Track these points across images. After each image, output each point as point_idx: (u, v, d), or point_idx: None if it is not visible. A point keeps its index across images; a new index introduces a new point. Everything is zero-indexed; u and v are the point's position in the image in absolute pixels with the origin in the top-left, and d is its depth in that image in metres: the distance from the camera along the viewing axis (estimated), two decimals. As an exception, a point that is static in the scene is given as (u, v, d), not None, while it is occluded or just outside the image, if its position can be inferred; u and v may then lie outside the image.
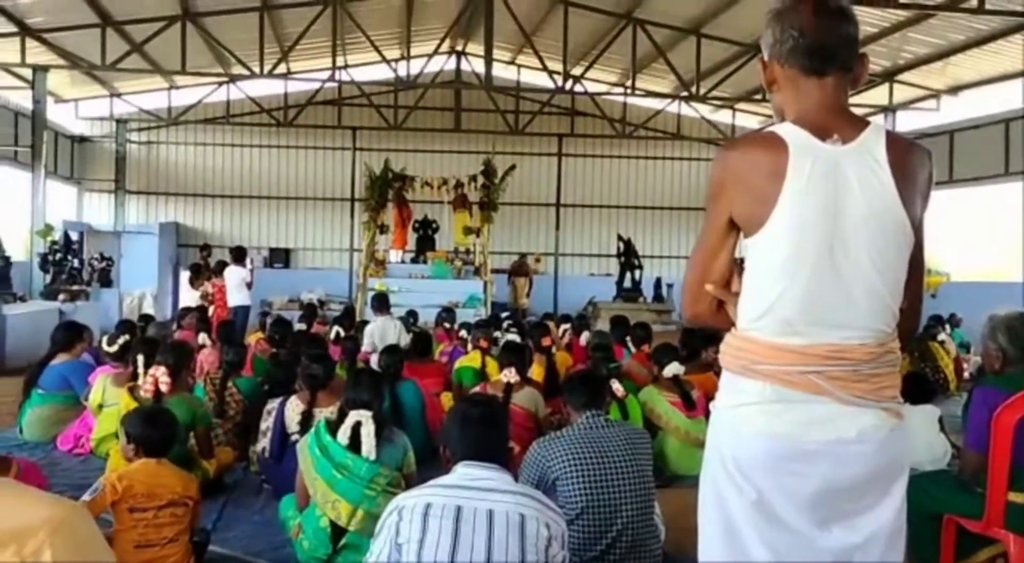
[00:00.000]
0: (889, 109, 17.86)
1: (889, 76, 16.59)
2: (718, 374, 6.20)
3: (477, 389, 6.07)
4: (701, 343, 7.05)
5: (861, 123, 1.96)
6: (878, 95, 17.41)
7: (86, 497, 3.48)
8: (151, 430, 3.78)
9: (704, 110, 20.90)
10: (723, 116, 21.54)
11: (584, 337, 8.48)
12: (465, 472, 2.87)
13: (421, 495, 2.85)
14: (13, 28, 13.99)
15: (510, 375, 5.85)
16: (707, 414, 6.03)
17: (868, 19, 14.02)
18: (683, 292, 2.08)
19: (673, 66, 16.20)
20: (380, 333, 9.22)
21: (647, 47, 16.21)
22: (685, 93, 17.60)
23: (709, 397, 6.32)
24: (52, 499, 0.94)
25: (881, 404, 1.91)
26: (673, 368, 6.03)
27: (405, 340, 8.84)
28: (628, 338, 8.06)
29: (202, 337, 8.30)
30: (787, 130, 1.92)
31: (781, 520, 1.90)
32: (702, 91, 17.50)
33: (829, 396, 1.87)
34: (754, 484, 1.90)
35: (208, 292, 12.90)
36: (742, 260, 2.03)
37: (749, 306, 1.94)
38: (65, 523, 0.92)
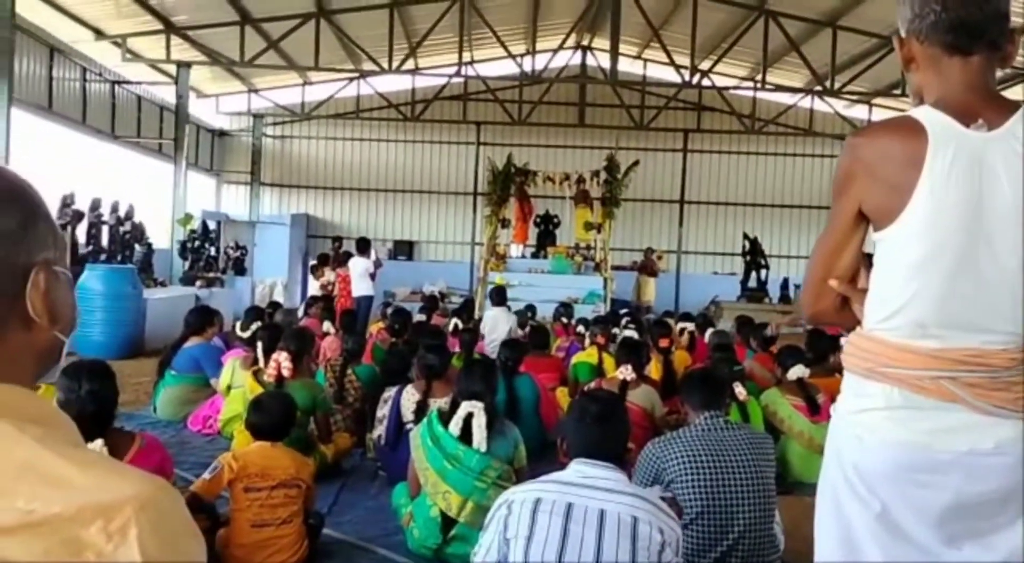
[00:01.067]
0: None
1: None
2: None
3: (593, 385, 5.97)
4: (828, 346, 6.74)
5: (1011, 106, 1.76)
6: (1031, 89, 16.33)
7: (206, 475, 3.58)
8: (264, 416, 3.87)
9: (838, 105, 20.08)
10: (859, 111, 20.64)
11: (708, 335, 8.26)
12: (579, 469, 2.80)
13: (531, 489, 2.79)
14: (159, 26, 14.73)
15: (626, 372, 5.74)
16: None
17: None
18: (804, 288, 1.95)
19: (807, 59, 15.61)
20: (492, 324, 9.35)
21: (779, 40, 15.68)
22: (819, 87, 16.95)
23: (835, 402, 6.06)
24: (142, 475, 0.91)
25: (1022, 414, 1.71)
26: (798, 371, 5.77)
27: (516, 333, 8.89)
28: (752, 339, 7.81)
29: (326, 325, 8.53)
30: (926, 114, 1.75)
31: (906, 535, 1.76)
32: (837, 85, 16.82)
33: (963, 404, 1.71)
34: (878, 495, 1.77)
35: (330, 281, 13.24)
36: (870, 255, 1.87)
37: (878, 305, 1.79)
38: (152, 501, 0.89)
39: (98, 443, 3.03)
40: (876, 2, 14.01)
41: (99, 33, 14.56)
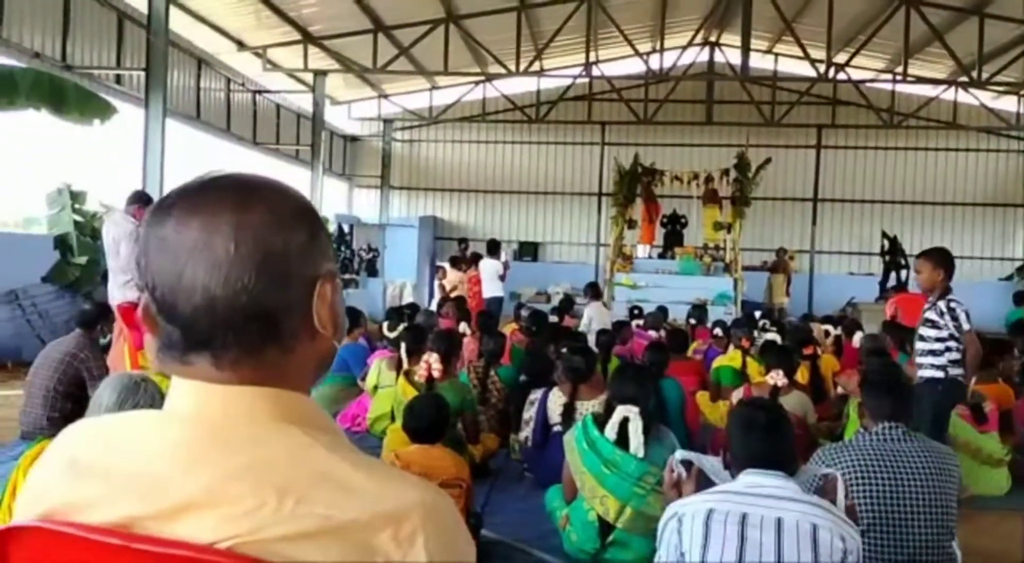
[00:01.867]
0: None
1: None
2: (1012, 385, 5.51)
3: (740, 390, 5.83)
4: (994, 352, 6.39)
5: None
6: None
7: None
8: (421, 420, 3.94)
9: (984, 97, 19.00)
10: (1006, 103, 19.49)
11: (856, 338, 7.95)
12: (749, 480, 2.73)
13: (704, 500, 2.74)
14: (297, 36, 15.28)
15: (777, 378, 5.58)
16: (1000, 428, 5.47)
17: None
18: None
19: (951, 49, 14.84)
20: (588, 320, 9.60)
21: (921, 29, 14.96)
22: (964, 78, 16.09)
23: (1003, 410, 5.73)
24: (422, 482, 0.94)
25: None
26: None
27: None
28: (905, 343, 7.47)
29: (463, 326, 8.63)
30: None
31: None
32: (984, 76, 15.93)
33: None
34: None
35: (454, 282, 13.33)
36: None
37: None
38: (435, 508, 0.91)
39: None
40: (1030, -13, 13.22)
41: (241, 45, 15.22)
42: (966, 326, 4.98)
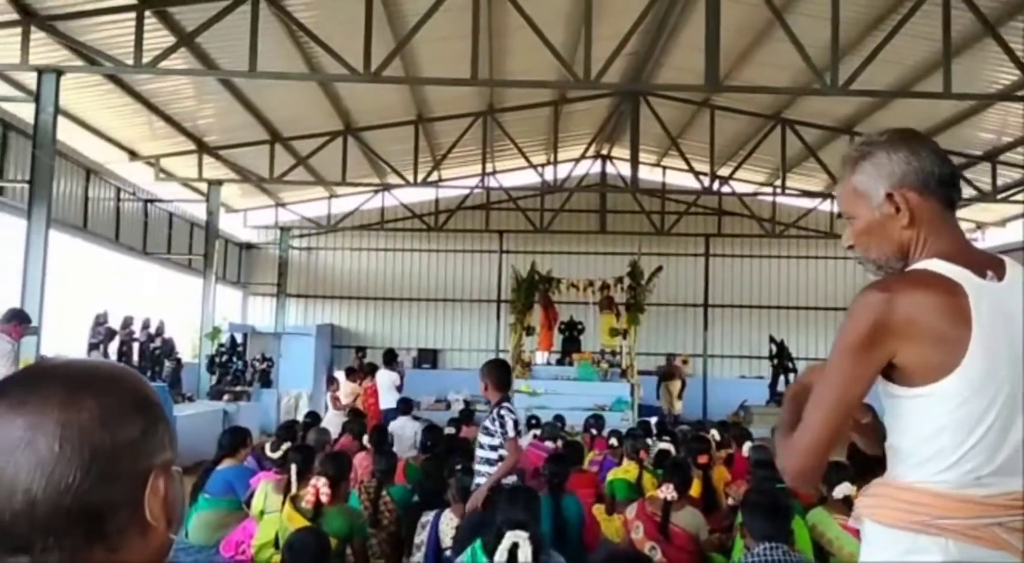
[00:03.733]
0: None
1: None
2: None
3: (634, 506, 5.83)
4: (875, 459, 6.59)
5: (996, 257, 1.85)
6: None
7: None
8: (298, 559, 3.79)
9: (858, 207, 20.23)
10: (878, 213, 20.76)
11: (746, 448, 8.09)
12: None
13: None
14: (192, 146, 15.20)
15: (668, 492, 5.60)
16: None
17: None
18: (805, 446, 1.76)
19: (825, 165, 15.83)
20: (399, 434, 9.61)
21: (797, 146, 15.95)
22: (838, 191, 17.09)
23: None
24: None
25: None
26: (844, 489, 5.60)
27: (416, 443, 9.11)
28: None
29: (365, 440, 8.39)
30: (948, 268, 1.76)
31: None
32: (856, 189, 16.98)
33: (1010, 551, 1.71)
34: None
35: (352, 394, 13.08)
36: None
37: (931, 457, 1.73)
38: None
39: None
40: (892, 109, 14.32)
41: (134, 154, 15.02)
42: (511, 433, 5.24)
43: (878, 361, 1.74)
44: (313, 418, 10.13)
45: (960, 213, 19.52)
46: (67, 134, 12.71)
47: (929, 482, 1.74)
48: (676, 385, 17.70)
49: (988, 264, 1.79)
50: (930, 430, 1.74)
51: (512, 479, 5.65)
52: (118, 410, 0.96)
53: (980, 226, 20.73)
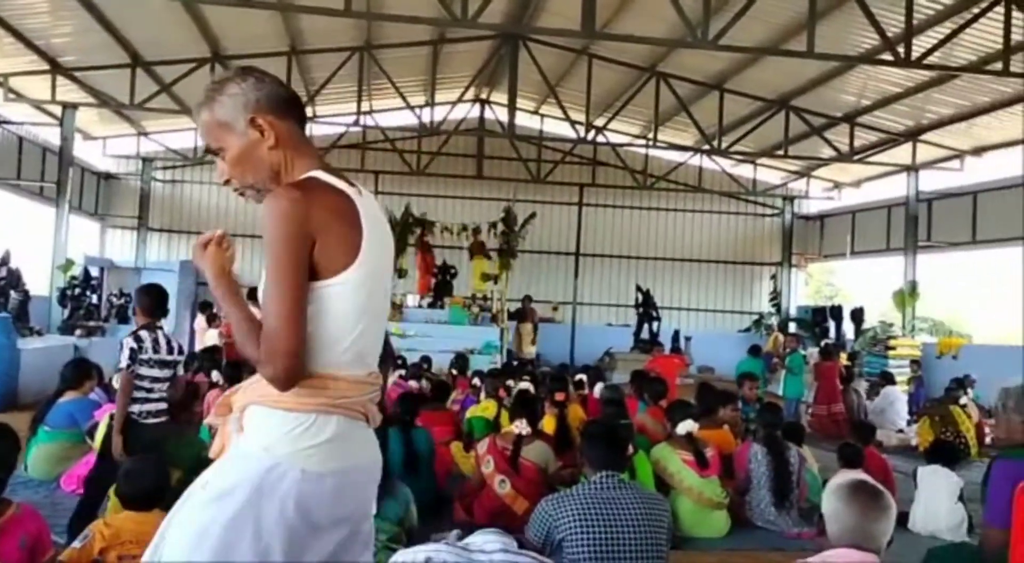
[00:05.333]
0: (912, 168, 17.76)
1: (912, 135, 16.53)
2: (734, 432, 5.99)
3: (485, 441, 5.94)
4: (717, 400, 6.91)
5: (340, 173, 2.06)
6: (901, 154, 17.35)
7: (76, 544, 3.39)
8: (135, 485, 3.68)
9: (725, 164, 20.92)
10: (744, 170, 21.53)
11: (598, 389, 8.34)
12: (471, 540, 2.88)
13: (421, 550, 2.84)
14: (45, 66, 14.25)
15: (521, 426, 5.73)
16: (721, 474, 5.90)
17: (893, 78, 14.03)
18: (286, 349, 1.83)
19: (695, 120, 16.23)
20: None
21: (670, 100, 16.27)
22: (707, 146, 17.63)
23: (724, 455, 6.19)
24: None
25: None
26: (687, 425, 5.88)
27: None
28: (644, 392, 7.93)
29: (215, 375, 8.18)
30: (333, 180, 1.96)
31: (323, 535, 1.92)
32: (724, 145, 17.54)
33: (372, 421, 2.02)
34: (313, 516, 1.88)
35: (212, 340, 12.78)
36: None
37: (330, 344, 1.91)
38: None
39: None
40: (761, 67, 14.75)
41: (-22, 71, 13.98)
42: (123, 364, 4.77)
43: (306, 258, 1.87)
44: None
45: (818, 172, 20.61)
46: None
47: (330, 366, 1.90)
48: (527, 328, 17.83)
49: (349, 180, 2.02)
50: (333, 319, 1.91)
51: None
52: None
53: (837, 185, 21.79)
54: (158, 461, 4.00)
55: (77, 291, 14.54)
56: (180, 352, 5.23)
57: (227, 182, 2.08)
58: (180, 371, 5.81)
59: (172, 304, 18.16)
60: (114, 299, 15.94)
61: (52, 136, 16.64)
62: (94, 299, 15.18)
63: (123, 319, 15.96)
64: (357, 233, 1.91)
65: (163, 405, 4.99)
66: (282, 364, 1.82)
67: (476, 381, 9.44)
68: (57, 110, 15.95)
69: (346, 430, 1.91)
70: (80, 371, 6.94)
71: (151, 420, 4.85)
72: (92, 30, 13.15)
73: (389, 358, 6.03)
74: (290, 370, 1.83)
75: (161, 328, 5.14)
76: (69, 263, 15.07)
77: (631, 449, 5.45)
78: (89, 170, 19.64)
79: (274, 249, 1.86)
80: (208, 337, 12.90)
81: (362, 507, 2.04)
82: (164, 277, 18.76)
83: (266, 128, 1.98)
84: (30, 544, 3.21)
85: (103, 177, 20.63)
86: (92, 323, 13.97)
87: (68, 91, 15.30)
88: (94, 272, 16.30)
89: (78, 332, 12.97)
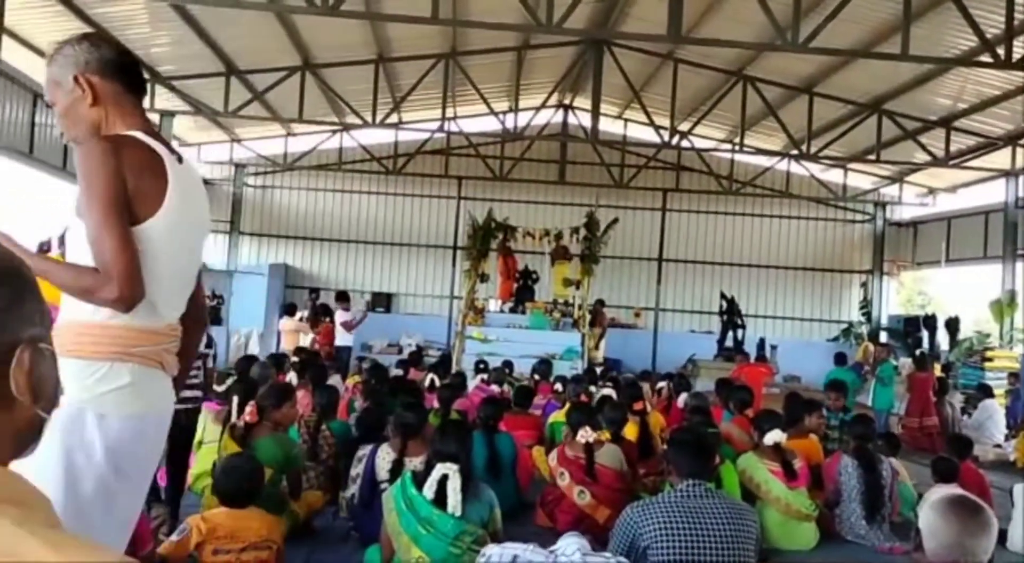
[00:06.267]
0: (1011, 173, 17.06)
1: (1012, 140, 15.87)
2: (821, 440, 5.86)
3: (554, 454, 5.94)
4: (804, 409, 6.76)
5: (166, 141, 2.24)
6: (1000, 159, 16.68)
7: (173, 537, 3.51)
8: (231, 483, 3.80)
9: (814, 169, 20.44)
10: (834, 175, 21.02)
11: (682, 398, 8.25)
12: (555, 546, 2.89)
13: (510, 548, 2.93)
14: (145, 75, 14.78)
15: (587, 434, 5.69)
16: (809, 485, 5.77)
17: (992, 81, 13.52)
18: (124, 272, 1.98)
19: (784, 124, 15.92)
20: None
21: (757, 104, 15.99)
22: (795, 151, 17.27)
23: (811, 466, 6.05)
24: (118, 558, 0.90)
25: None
26: (775, 436, 5.77)
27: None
28: (730, 401, 7.81)
29: (291, 376, 8.31)
30: (149, 140, 2.14)
31: (129, 478, 2.06)
32: (813, 149, 17.14)
33: (169, 369, 2.17)
34: (115, 459, 2.00)
35: (291, 329, 13.13)
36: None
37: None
38: None
39: None
40: (851, 70, 14.38)
41: (84, 81, 14.60)
42: None
43: (123, 196, 2.02)
44: (251, 361, 9.98)
45: (911, 177, 19.97)
46: (13, 56, 12.33)
47: (123, 317, 2.03)
48: (596, 332, 17.66)
49: (170, 148, 2.20)
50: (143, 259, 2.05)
51: None
52: None
53: (932, 191, 21.08)
54: (253, 460, 4.13)
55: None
56: (208, 346, 5.89)
57: (61, 135, 2.27)
58: (211, 363, 6.21)
59: (261, 306, 18.79)
60: (207, 301, 16.46)
61: (151, 143, 17.27)
62: (188, 300, 15.68)
63: (216, 320, 16.49)
64: (162, 188, 2.08)
65: (197, 392, 5.54)
66: (126, 284, 1.97)
67: (558, 386, 9.44)
68: (156, 118, 16.54)
69: (142, 378, 2.07)
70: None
71: (181, 406, 5.12)
72: (189, 41, 13.63)
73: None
74: (135, 288, 1.99)
75: None
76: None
77: (718, 458, 5.38)
78: (185, 176, 20.30)
79: (93, 189, 2.01)
80: (295, 339, 13.23)
81: (157, 454, 2.24)
82: (254, 280, 19.39)
83: (85, 86, 2.15)
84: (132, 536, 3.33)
85: (198, 183, 21.31)
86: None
87: (166, 99, 15.88)
88: (189, 274, 16.86)
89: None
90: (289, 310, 14.10)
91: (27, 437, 1.01)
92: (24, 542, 0.86)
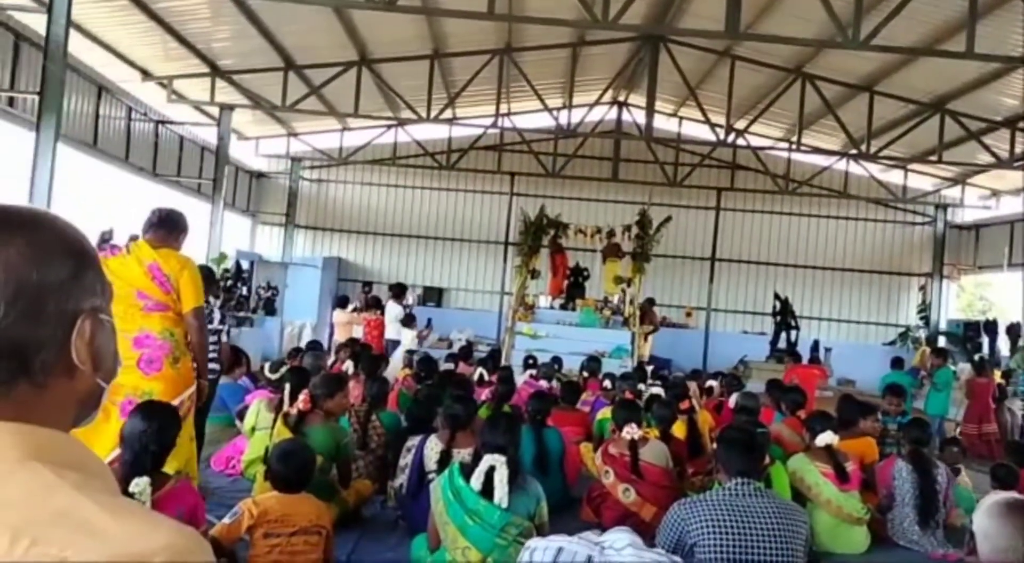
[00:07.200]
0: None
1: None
2: (879, 444, 5.73)
3: (599, 454, 5.93)
4: (858, 412, 6.64)
5: None
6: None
7: (226, 520, 3.58)
8: (285, 468, 3.86)
9: (874, 169, 20.02)
10: (894, 176, 20.58)
11: (733, 398, 8.16)
12: (603, 538, 2.88)
13: (555, 540, 2.92)
14: (205, 69, 15.08)
15: (632, 431, 5.66)
16: (861, 487, 5.67)
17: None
18: None
19: (843, 122, 15.62)
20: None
21: (816, 102, 15.72)
22: (854, 151, 16.95)
23: (864, 468, 5.95)
24: (175, 526, 0.92)
25: None
26: (827, 437, 5.68)
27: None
28: (782, 402, 7.71)
29: (347, 365, 8.43)
30: None
31: None
32: (872, 149, 16.79)
33: None
34: None
35: (344, 321, 13.30)
36: None
37: None
38: (187, 553, 0.89)
39: (145, 480, 3.10)
40: (913, 69, 14.06)
41: (146, 74, 14.92)
42: None
43: None
44: (303, 351, 10.14)
45: (975, 179, 19.47)
46: (80, 49, 12.64)
47: None
48: (646, 328, 17.50)
49: None
50: None
51: None
52: (47, 250, 0.97)
53: (995, 193, 20.52)
54: (307, 447, 4.19)
55: (229, 283, 15.33)
56: (222, 322, 6.87)
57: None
58: (224, 338, 6.58)
59: (314, 298, 19.06)
60: (262, 292, 16.76)
61: (210, 136, 17.61)
62: (244, 291, 15.97)
63: (270, 311, 16.77)
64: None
65: (215, 365, 6.22)
66: None
67: (607, 383, 9.41)
68: (215, 111, 16.85)
69: None
70: (231, 359, 7.32)
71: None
72: (249, 35, 13.84)
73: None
74: None
75: (210, 302, 6.39)
76: (222, 256, 15.91)
77: (767, 459, 5.31)
78: (242, 169, 20.67)
79: None
80: (348, 331, 13.37)
81: None
82: (308, 272, 19.65)
83: None
84: (186, 517, 3.41)
85: (255, 176, 21.69)
86: (242, 314, 14.69)
87: (225, 93, 16.16)
88: (245, 265, 17.18)
89: (229, 322, 13.67)
90: (342, 302, 14.26)
91: (88, 405, 1.04)
92: (83, 506, 0.88)
